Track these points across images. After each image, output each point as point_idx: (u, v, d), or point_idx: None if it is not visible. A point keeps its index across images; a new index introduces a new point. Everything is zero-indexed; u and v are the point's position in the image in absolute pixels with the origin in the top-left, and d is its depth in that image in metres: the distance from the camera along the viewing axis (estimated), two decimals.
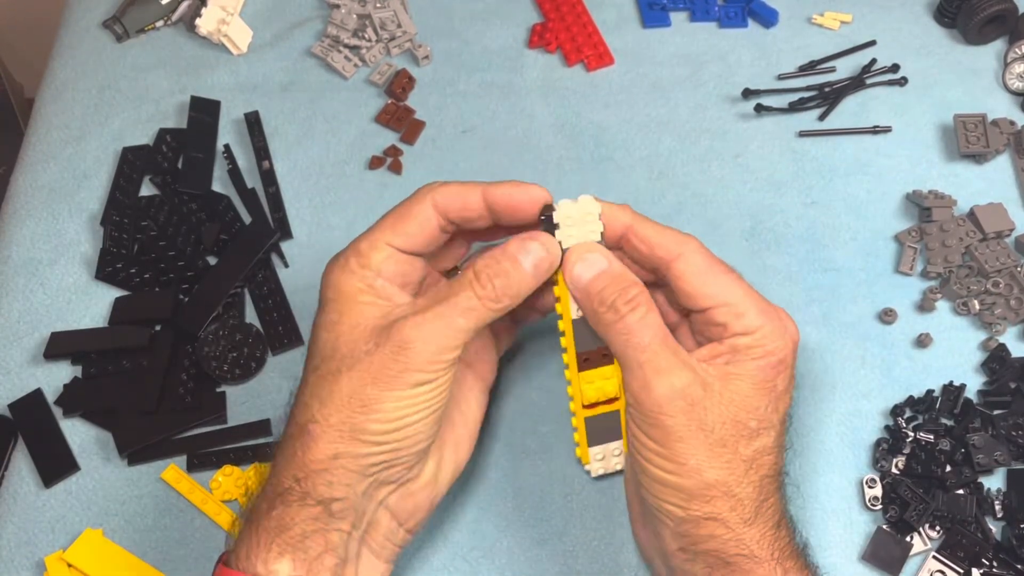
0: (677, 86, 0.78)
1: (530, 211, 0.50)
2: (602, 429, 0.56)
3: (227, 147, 0.75)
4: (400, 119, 0.76)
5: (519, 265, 0.49)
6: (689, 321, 0.54)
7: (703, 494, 0.47)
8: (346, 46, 0.80)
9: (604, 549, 0.58)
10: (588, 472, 0.57)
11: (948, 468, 0.58)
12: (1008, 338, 0.65)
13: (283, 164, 0.74)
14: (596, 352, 0.53)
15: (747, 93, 0.77)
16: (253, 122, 0.76)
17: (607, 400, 0.54)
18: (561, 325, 0.53)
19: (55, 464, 0.61)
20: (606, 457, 0.57)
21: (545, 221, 0.50)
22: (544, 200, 0.50)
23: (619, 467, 0.57)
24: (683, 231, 0.52)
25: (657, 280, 0.53)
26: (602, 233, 0.51)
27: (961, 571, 0.56)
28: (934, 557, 0.56)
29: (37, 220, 0.72)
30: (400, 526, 0.51)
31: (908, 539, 0.56)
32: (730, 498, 0.47)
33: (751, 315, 0.50)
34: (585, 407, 0.54)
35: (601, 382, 0.53)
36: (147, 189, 0.73)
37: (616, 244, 0.52)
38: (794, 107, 0.76)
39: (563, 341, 0.53)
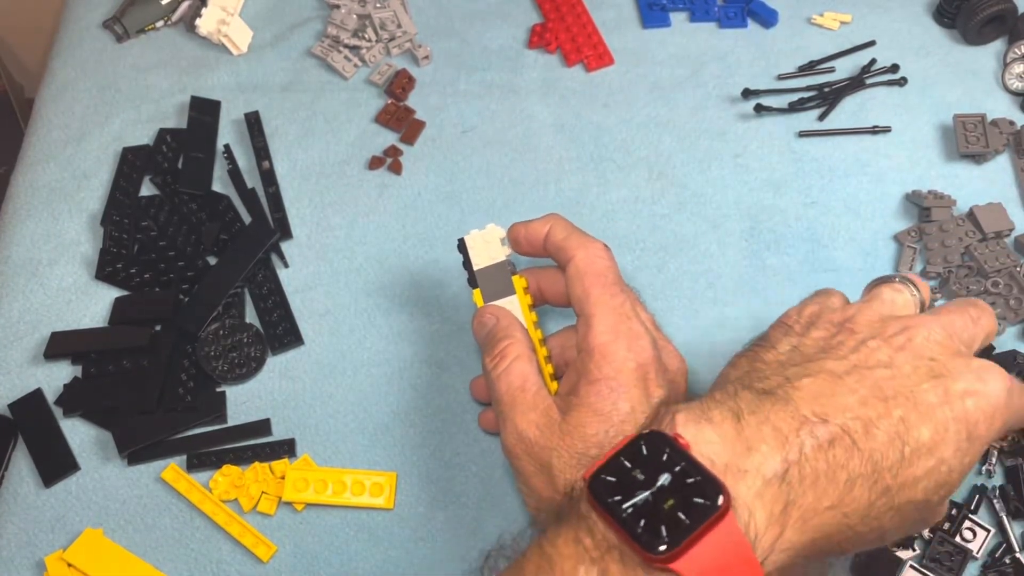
0: (677, 86, 0.78)
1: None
2: None
3: (227, 147, 0.75)
4: (400, 119, 0.76)
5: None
6: None
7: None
8: (346, 46, 0.80)
9: None
10: None
11: None
12: (1008, 338, 0.65)
13: (283, 164, 0.74)
14: None
15: (747, 93, 0.77)
16: (253, 122, 0.76)
17: None
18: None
19: (55, 464, 0.61)
20: None
21: (460, 249, 0.58)
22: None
23: None
24: (593, 237, 0.55)
25: None
26: (508, 254, 0.57)
27: None
28: (911, 566, 0.55)
29: (37, 220, 0.72)
30: None
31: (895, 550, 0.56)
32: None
33: (599, 330, 0.51)
34: None
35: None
36: (147, 189, 0.73)
37: (544, 253, 0.57)
38: (794, 107, 0.76)
39: None
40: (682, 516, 0.38)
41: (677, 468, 0.40)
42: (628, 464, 0.41)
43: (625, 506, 0.39)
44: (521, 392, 0.52)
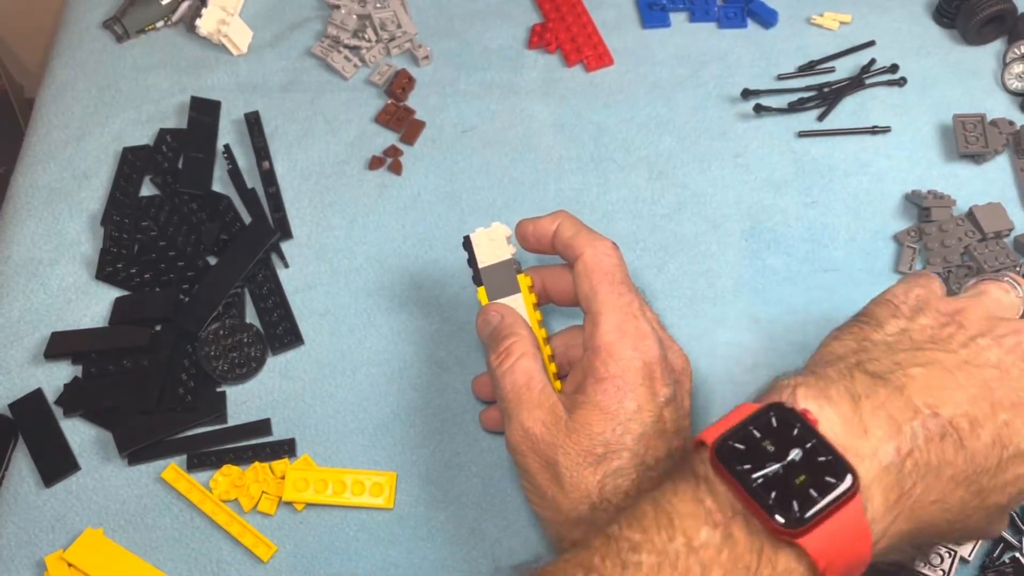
0: (677, 86, 0.78)
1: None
2: None
3: (227, 147, 0.75)
4: (400, 119, 0.76)
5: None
6: None
7: (567, 523, 0.49)
8: (346, 46, 0.80)
9: None
10: None
11: None
12: None
13: (283, 164, 0.74)
14: None
15: (747, 93, 0.77)
16: (253, 122, 0.76)
17: None
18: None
19: (55, 464, 0.61)
20: None
21: (466, 246, 0.58)
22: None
23: None
24: (601, 235, 0.55)
25: None
26: (513, 252, 0.58)
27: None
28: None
29: (37, 220, 0.72)
30: None
31: None
32: (591, 525, 0.48)
33: (605, 328, 0.51)
34: None
35: None
36: (147, 189, 0.73)
37: (552, 250, 0.57)
38: (793, 107, 0.76)
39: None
40: (813, 493, 0.38)
41: (808, 445, 0.40)
42: (757, 434, 0.40)
43: (755, 476, 0.39)
44: (526, 390, 0.52)
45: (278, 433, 0.62)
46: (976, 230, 0.68)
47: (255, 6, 0.84)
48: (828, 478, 0.38)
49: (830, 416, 0.41)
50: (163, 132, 0.75)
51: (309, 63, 0.80)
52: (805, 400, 0.42)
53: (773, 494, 0.38)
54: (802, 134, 0.75)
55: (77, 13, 0.84)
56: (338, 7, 0.80)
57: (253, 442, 0.62)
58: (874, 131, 0.75)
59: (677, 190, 0.73)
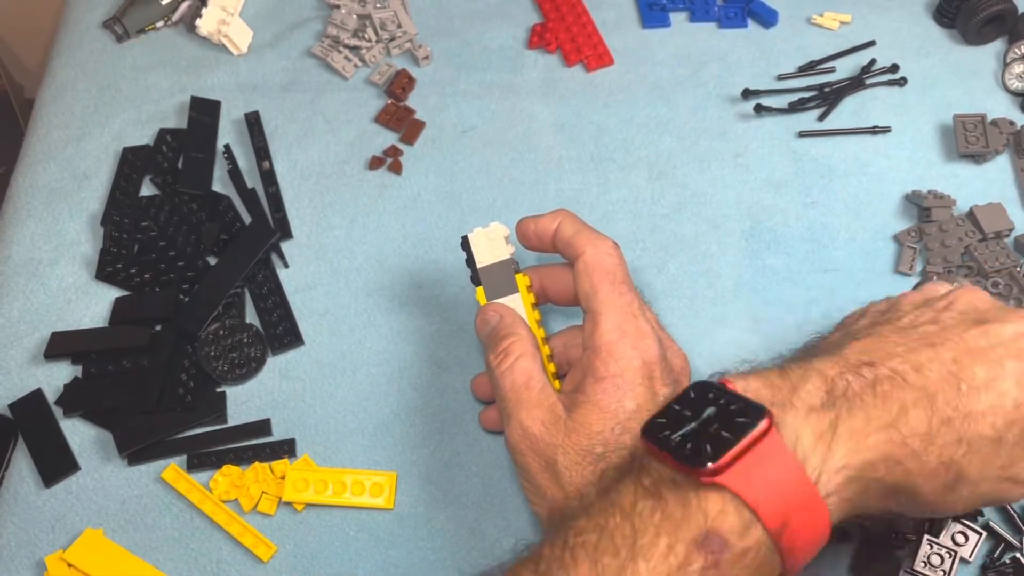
0: (677, 86, 0.78)
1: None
2: None
3: (227, 147, 0.75)
4: (400, 119, 0.76)
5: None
6: None
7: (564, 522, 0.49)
8: (346, 46, 0.80)
9: None
10: None
11: None
12: None
13: (283, 164, 0.74)
14: None
15: (747, 93, 0.77)
16: (253, 122, 0.76)
17: None
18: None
19: (55, 464, 0.61)
20: None
21: (464, 246, 0.58)
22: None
23: None
24: (603, 234, 0.56)
25: None
26: (512, 252, 0.58)
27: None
28: (905, 571, 0.55)
29: (37, 220, 0.72)
30: None
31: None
32: (587, 520, 0.48)
33: (606, 328, 0.52)
34: None
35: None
36: (147, 189, 0.73)
37: (553, 249, 0.57)
38: (794, 107, 0.76)
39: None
40: (726, 434, 0.39)
41: (721, 401, 0.41)
42: (677, 407, 0.42)
43: (673, 436, 0.40)
44: (526, 389, 0.52)
45: (278, 433, 0.62)
46: (976, 230, 0.68)
47: (255, 6, 0.84)
48: (739, 419, 0.40)
49: (754, 385, 0.42)
50: (163, 132, 0.75)
51: (309, 63, 0.80)
52: (731, 378, 0.43)
53: (689, 446, 0.40)
54: (802, 134, 0.75)
55: (77, 13, 0.84)
56: (338, 7, 0.80)
57: (253, 442, 0.62)
58: (874, 131, 0.75)
59: (677, 190, 0.73)
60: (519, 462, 0.52)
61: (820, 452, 0.40)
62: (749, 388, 0.42)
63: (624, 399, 0.50)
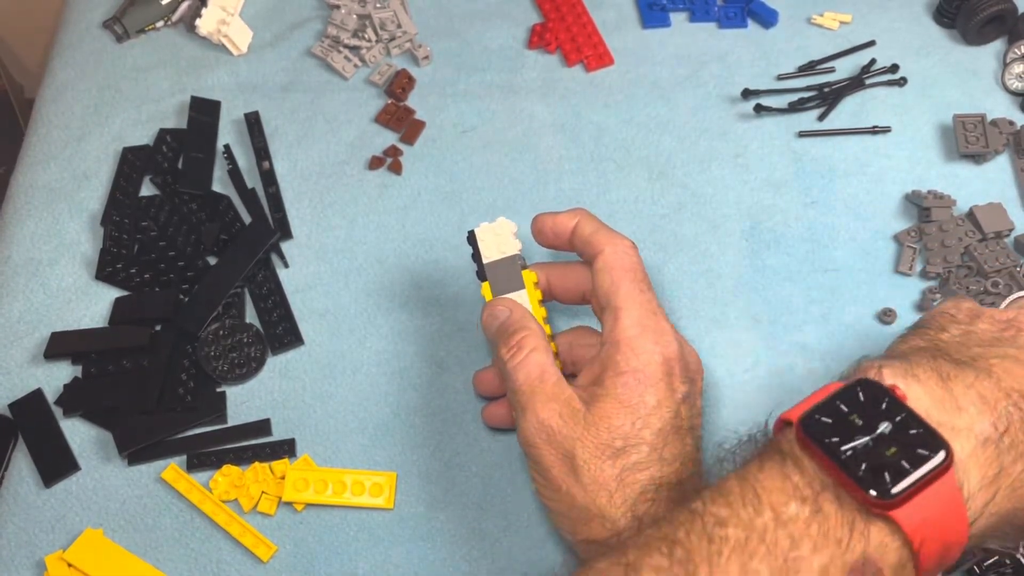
0: (677, 86, 0.78)
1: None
2: None
3: (227, 147, 0.75)
4: (400, 119, 0.76)
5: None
6: None
7: (580, 518, 0.49)
8: (346, 46, 0.80)
9: None
10: None
11: None
12: None
13: (283, 164, 0.74)
14: None
15: (747, 93, 0.77)
16: (253, 122, 0.76)
17: None
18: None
19: (55, 464, 0.61)
20: None
21: (470, 241, 0.58)
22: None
23: None
24: (621, 234, 0.55)
25: None
26: (519, 248, 0.57)
27: None
28: None
29: (37, 220, 0.72)
30: None
31: None
32: (603, 519, 0.48)
33: (627, 323, 0.51)
34: None
35: None
36: (147, 189, 0.73)
37: (569, 247, 0.57)
38: (794, 107, 0.76)
39: None
40: (906, 465, 0.37)
41: (898, 418, 0.39)
42: (844, 408, 0.40)
43: (844, 448, 0.38)
44: (540, 382, 0.51)
45: (278, 433, 0.62)
46: (976, 230, 0.68)
47: (255, 6, 0.84)
48: (920, 450, 0.38)
49: (918, 394, 0.41)
50: (163, 132, 0.75)
51: (309, 63, 0.80)
52: (892, 377, 0.41)
53: (863, 466, 0.38)
54: (802, 134, 0.75)
55: (77, 13, 0.84)
56: (338, 7, 0.80)
57: (253, 442, 0.62)
58: (874, 131, 0.75)
59: (677, 190, 0.73)
60: (533, 456, 0.51)
61: (983, 498, 0.39)
62: (915, 404, 0.40)
63: (645, 394, 0.50)
